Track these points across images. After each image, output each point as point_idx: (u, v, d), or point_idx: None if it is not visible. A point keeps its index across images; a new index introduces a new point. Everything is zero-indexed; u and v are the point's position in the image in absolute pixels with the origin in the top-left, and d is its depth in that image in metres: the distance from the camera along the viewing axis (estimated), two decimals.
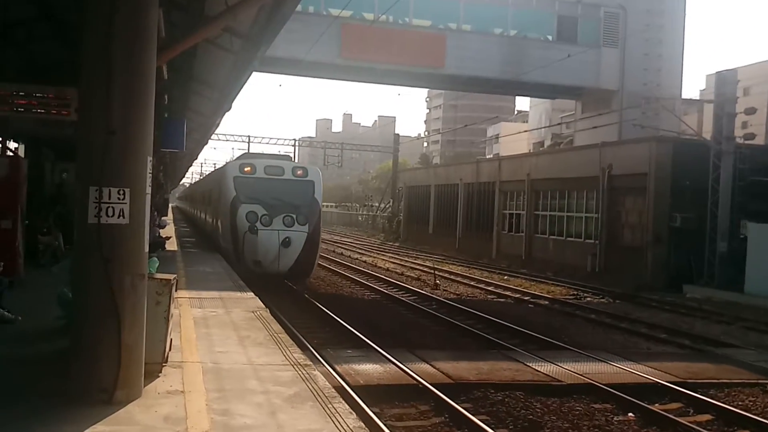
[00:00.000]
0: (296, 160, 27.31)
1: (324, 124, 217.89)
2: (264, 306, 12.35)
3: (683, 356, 13.85)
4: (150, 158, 6.17)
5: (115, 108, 5.84)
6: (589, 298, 23.37)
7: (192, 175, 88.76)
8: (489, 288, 24.55)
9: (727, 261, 24.70)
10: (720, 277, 24.65)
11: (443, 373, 10.97)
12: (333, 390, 6.79)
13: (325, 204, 21.84)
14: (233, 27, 11.34)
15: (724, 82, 26.06)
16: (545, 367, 11.68)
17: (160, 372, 6.86)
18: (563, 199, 32.73)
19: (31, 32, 11.54)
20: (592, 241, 30.02)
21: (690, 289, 24.69)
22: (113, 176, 5.86)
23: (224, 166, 26.17)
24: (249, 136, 66.21)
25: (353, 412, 6.05)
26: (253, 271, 19.17)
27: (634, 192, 28.04)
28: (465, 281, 26.22)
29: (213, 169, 55.92)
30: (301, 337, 12.53)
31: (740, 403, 10.55)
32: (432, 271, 26.62)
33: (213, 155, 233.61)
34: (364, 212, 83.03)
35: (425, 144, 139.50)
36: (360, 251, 40.61)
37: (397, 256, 37.34)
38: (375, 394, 9.67)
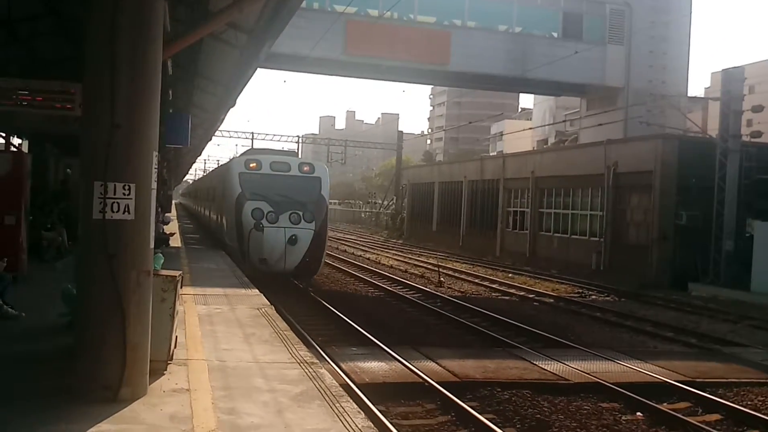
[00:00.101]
0: (300, 157, 26.95)
1: (327, 121, 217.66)
2: (269, 303, 12.27)
3: (690, 355, 13.75)
4: (155, 153, 6.08)
5: (120, 101, 5.74)
6: (594, 296, 23.28)
7: (195, 172, 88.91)
8: (493, 286, 24.46)
9: (732, 259, 24.59)
10: (726, 275, 24.54)
11: (449, 371, 10.89)
12: (340, 389, 6.70)
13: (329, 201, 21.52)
14: (238, 22, 11.28)
15: (731, 80, 25.93)
16: (552, 366, 11.59)
17: (165, 370, 6.77)
18: (568, 196, 32.62)
19: (36, 28, 11.48)
20: (597, 238, 29.92)
21: (695, 287, 24.59)
22: (118, 171, 5.78)
23: (229, 162, 25.74)
24: (252, 133, 66.37)
25: (361, 412, 5.96)
26: (259, 269, 18.90)
27: (640, 190, 27.92)
28: (469, 279, 26.13)
29: (217, 166, 55.93)
30: (305, 334, 12.46)
31: (749, 402, 10.44)
32: (436, 269, 26.54)
33: (216, 152, 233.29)
34: (367, 209, 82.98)
35: (428, 141, 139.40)
36: (363, 248, 40.54)
37: (400, 254, 37.27)
38: (381, 392, 9.59)
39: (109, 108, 5.72)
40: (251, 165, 20.77)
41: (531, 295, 22.41)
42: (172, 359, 7.02)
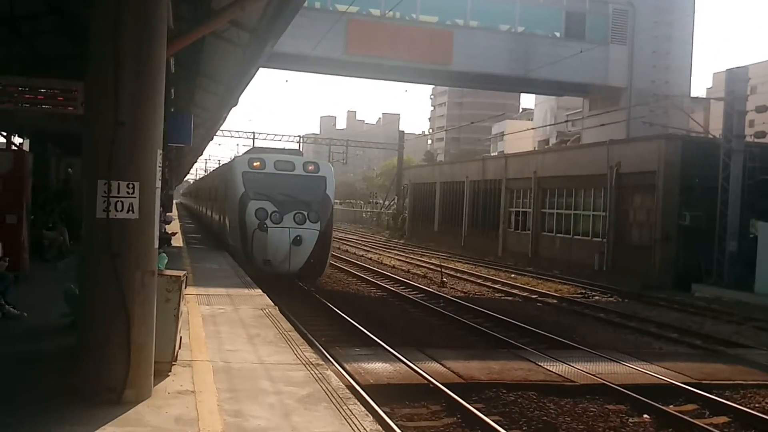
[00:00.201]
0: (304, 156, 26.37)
1: (328, 121, 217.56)
2: (272, 304, 12.19)
3: (696, 356, 13.66)
4: (160, 151, 5.99)
5: (123, 98, 5.65)
6: (597, 297, 23.20)
7: (196, 172, 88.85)
8: (496, 286, 24.38)
9: (736, 260, 24.49)
10: (729, 276, 24.43)
11: (454, 373, 10.81)
12: (347, 391, 6.62)
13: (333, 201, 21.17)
14: (241, 20, 11.21)
15: (735, 80, 25.82)
16: (557, 367, 11.51)
17: (170, 371, 6.69)
18: (570, 197, 32.52)
19: (38, 26, 11.40)
20: (600, 239, 29.81)
21: (698, 288, 24.48)
22: (122, 169, 5.69)
23: (232, 160, 25.35)
24: (254, 133, 66.28)
25: (369, 414, 5.88)
26: (263, 271, 18.58)
27: (643, 190, 27.82)
28: (472, 279, 26.05)
29: (219, 165, 55.82)
30: (309, 335, 12.37)
31: (757, 405, 10.35)
32: (438, 269, 26.47)
33: (217, 151, 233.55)
34: (369, 209, 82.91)
35: (429, 141, 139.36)
36: (365, 248, 40.47)
37: (402, 254, 37.20)
38: (385, 393, 9.51)
39: (113, 105, 5.63)
40: (255, 164, 20.42)
41: (534, 296, 22.33)
42: (176, 360, 6.94)
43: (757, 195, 25.21)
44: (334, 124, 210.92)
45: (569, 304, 21.09)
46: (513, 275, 28.23)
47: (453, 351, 12.55)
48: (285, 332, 9.45)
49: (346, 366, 10.53)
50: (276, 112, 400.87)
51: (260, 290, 13.77)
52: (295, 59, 34.69)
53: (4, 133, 17.91)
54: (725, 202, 24.96)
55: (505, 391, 10.19)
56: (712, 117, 45.59)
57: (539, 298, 21.87)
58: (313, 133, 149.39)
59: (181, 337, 7.18)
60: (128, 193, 5.70)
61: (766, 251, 22.81)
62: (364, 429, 5.48)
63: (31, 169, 12.93)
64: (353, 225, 76.64)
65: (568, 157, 34.60)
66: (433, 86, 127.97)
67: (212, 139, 35.58)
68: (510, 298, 21.94)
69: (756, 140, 28.61)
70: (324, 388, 6.61)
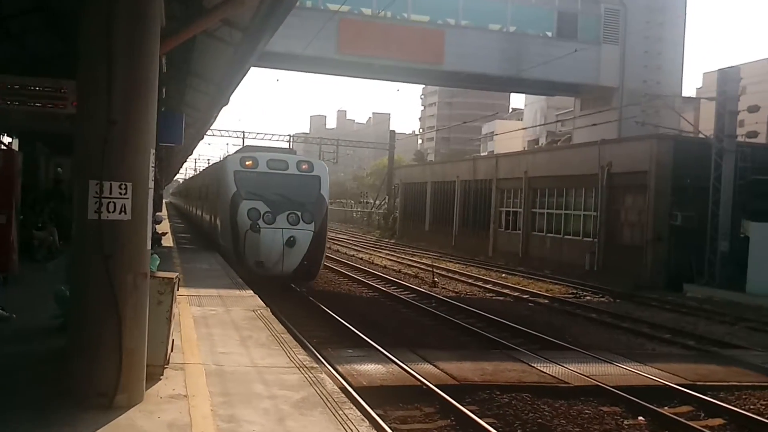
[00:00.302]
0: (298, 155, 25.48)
1: (318, 120, 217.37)
2: (264, 305, 12.08)
3: (689, 357, 13.63)
4: (153, 150, 5.88)
5: (116, 96, 5.53)
6: (588, 297, 23.19)
7: (186, 171, 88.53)
8: (487, 286, 24.34)
9: (727, 260, 24.54)
10: (721, 276, 24.49)
11: (447, 374, 10.72)
12: (342, 395, 6.53)
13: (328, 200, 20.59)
14: (233, 19, 11.12)
15: (727, 80, 25.87)
16: (551, 368, 11.45)
17: (162, 375, 6.57)
18: (561, 196, 32.53)
19: (27, 24, 11.26)
20: (591, 239, 29.84)
21: (690, 288, 24.52)
22: (114, 169, 5.57)
23: (224, 159, 24.61)
24: (244, 132, 65.98)
25: (366, 420, 5.79)
26: (255, 273, 18.11)
27: (634, 190, 27.86)
28: (463, 279, 26.01)
29: (209, 164, 55.56)
30: (300, 335, 12.26)
31: (752, 406, 10.32)
32: (429, 269, 26.41)
33: (207, 151, 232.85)
34: (359, 209, 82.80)
35: (420, 141, 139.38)
36: (356, 248, 40.38)
37: (393, 254, 37.13)
38: (378, 395, 9.42)
39: (105, 103, 5.52)
40: (247, 163, 19.85)
41: (525, 296, 22.30)
42: (168, 363, 6.82)
43: (748, 195, 25.28)
44: (325, 124, 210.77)
45: (561, 304, 21.07)
46: (504, 275, 28.21)
47: (445, 352, 12.47)
48: (277, 334, 9.35)
49: (339, 368, 10.43)
50: (266, 111, 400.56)
51: (251, 291, 13.66)
52: (286, 58, 34.59)
53: None
54: (717, 203, 25.02)
55: (498, 392, 10.11)
56: (702, 117, 45.74)
57: (531, 298, 21.84)
58: (304, 133, 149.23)
59: (173, 340, 7.07)
60: (121, 193, 5.58)
61: (758, 251, 22.86)
62: None
63: (20, 168, 12.76)
64: (344, 225, 76.52)
65: (559, 157, 34.61)
66: (424, 86, 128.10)
67: (202, 138, 35.41)
68: (501, 298, 21.90)
69: (747, 140, 28.70)
70: (318, 391, 6.52)
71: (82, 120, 5.80)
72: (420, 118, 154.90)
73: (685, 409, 10.09)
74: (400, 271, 27.54)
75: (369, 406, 8.32)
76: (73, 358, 5.71)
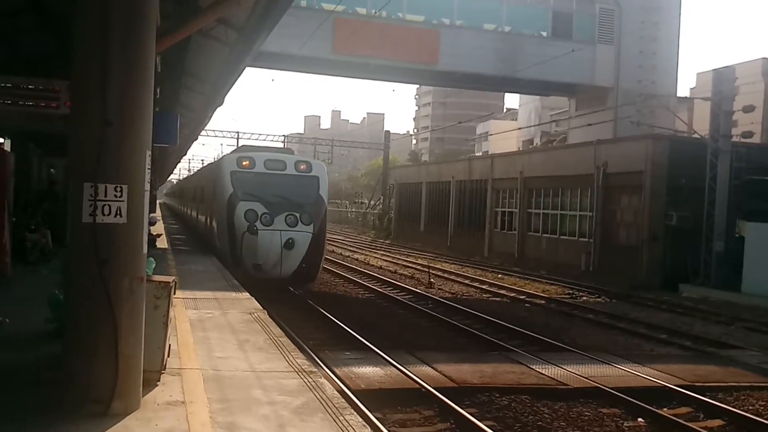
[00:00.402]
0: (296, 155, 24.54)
1: (312, 120, 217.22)
2: (261, 307, 11.97)
3: (687, 358, 13.60)
4: (148, 152, 5.76)
5: (111, 96, 5.40)
6: (585, 297, 23.16)
7: (179, 172, 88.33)
8: (483, 287, 24.27)
9: (723, 260, 24.54)
10: (716, 276, 24.48)
11: (446, 377, 10.65)
12: (343, 400, 6.41)
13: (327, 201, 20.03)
14: (228, 18, 11.05)
15: (722, 80, 25.88)
16: (549, 370, 11.39)
17: (159, 380, 6.45)
18: (557, 197, 32.50)
19: (19, 24, 11.14)
20: (586, 239, 29.81)
21: (686, 288, 24.51)
22: (110, 171, 5.44)
23: (220, 159, 24.05)
24: (238, 132, 65.92)
25: (367, 426, 5.68)
26: (253, 276, 17.73)
27: (630, 190, 27.84)
28: (459, 280, 25.94)
29: (203, 164, 55.34)
30: (297, 338, 12.16)
31: (751, 407, 10.28)
32: (425, 269, 26.34)
33: (201, 151, 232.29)
34: (354, 209, 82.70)
35: (414, 141, 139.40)
36: (351, 249, 40.28)
37: (388, 254, 37.04)
38: (377, 398, 9.34)
39: (100, 104, 5.39)
40: (244, 163, 19.36)
41: (522, 297, 22.24)
42: (165, 369, 6.71)
43: (743, 195, 25.28)
44: (319, 124, 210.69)
45: (557, 304, 21.01)
46: (500, 275, 28.15)
47: (444, 354, 12.39)
48: (275, 338, 9.23)
49: (336, 371, 10.35)
50: (260, 111, 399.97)
51: (248, 293, 13.54)
52: (281, 58, 34.52)
53: None
54: (712, 203, 25.01)
55: (498, 395, 10.05)
56: (696, 117, 45.81)
57: (527, 299, 21.78)
58: (298, 133, 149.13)
59: (170, 345, 6.96)
60: (116, 196, 5.46)
61: (753, 251, 22.85)
62: None
63: (13, 169, 12.65)
64: (338, 225, 76.40)
65: (554, 157, 34.58)
66: (418, 86, 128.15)
67: (197, 138, 35.29)
68: (498, 299, 21.83)
69: (743, 140, 28.72)
70: (318, 397, 6.41)
71: (76, 121, 5.67)
72: (414, 119, 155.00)
73: (684, 410, 10.06)
74: (395, 272, 27.45)
75: (367, 408, 8.23)
76: (68, 365, 5.57)
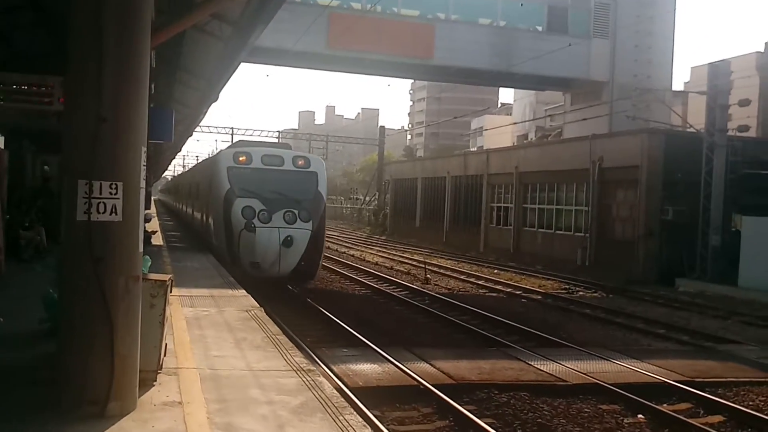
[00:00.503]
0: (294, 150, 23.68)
1: (307, 116, 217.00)
2: (258, 305, 11.88)
3: (686, 353, 13.54)
4: (144, 149, 5.66)
5: (106, 93, 5.31)
6: (581, 292, 23.14)
7: (174, 168, 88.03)
8: (480, 282, 24.23)
9: (719, 254, 24.54)
10: (712, 270, 24.48)
11: (444, 373, 10.59)
12: (342, 399, 6.33)
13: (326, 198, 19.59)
14: (223, 13, 10.95)
15: (717, 74, 25.82)
16: (548, 366, 11.34)
17: (155, 380, 6.36)
18: (552, 192, 32.47)
19: (14, 21, 11.02)
20: (582, 234, 29.79)
21: (682, 282, 24.50)
22: (105, 168, 5.35)
23: (216, 155, 23.55)
24: (233, 128, 65.52)
25: (368, 426, 5.61)
26: (250, 274, 17.43)
27: (626, 185, 27.82)
28: (455, 275, 25.89)
29: (197, 160, 55.14)
30: (293, 335, 12.08)
31: (751, 403, 10.25)
32: (421, 265, 26.29)
33: (195, 147, 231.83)
34: (349, 205, 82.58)
35: (409, 137, 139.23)
36: (347, 245, 40.20)
37: (384, 250, 36.98)
38: (375, 395, 9.27)
39: (95, 100, 5.30)
40: (241, 158, 18.96)
41: (518, 292, 22.21)
42: (161, 369, 6.62)
43: (739, 189, 25.24)
44: (313, 120, 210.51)
45: (554, 300, 20.98)
46: (496, 271, 28.12)
47: (441, 350, 12.34)
48: (272, 335, 9.15)
49: (334, 368, 10.28)
50: (255, 107, 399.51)
51: (244, 291, 13.45)
52: (276, 53, 34.37)
53: None
54: (708, 197, 24.99)
55: (496, 391, 9.99)
56: (691, 111, 45.79)
57: (524, 294, 21.74)
58: (293, 129, 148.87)
59: (166, 344, 6.88)
60: (111, 193, 5.37)
61: (749, 245, 22.85)
62: None
63: (6, 166, 12.54)
64: (333, 221, 76.25)
65: (550, 152, 34.55)
66: (412, 81, 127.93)
67: (192, 135, 35.10)
68: (494, 295, 21.80)
69: (738, 134, 28.69)
70: (317, 396, 6.33)
71: (70, 117, 5.57)
72: (409, 114, 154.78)
73: (684, 406, 10.01)
74: (392, 268, 27.39)
75: (365, 405, 8.16)
76: (63, 365, 5.49)
